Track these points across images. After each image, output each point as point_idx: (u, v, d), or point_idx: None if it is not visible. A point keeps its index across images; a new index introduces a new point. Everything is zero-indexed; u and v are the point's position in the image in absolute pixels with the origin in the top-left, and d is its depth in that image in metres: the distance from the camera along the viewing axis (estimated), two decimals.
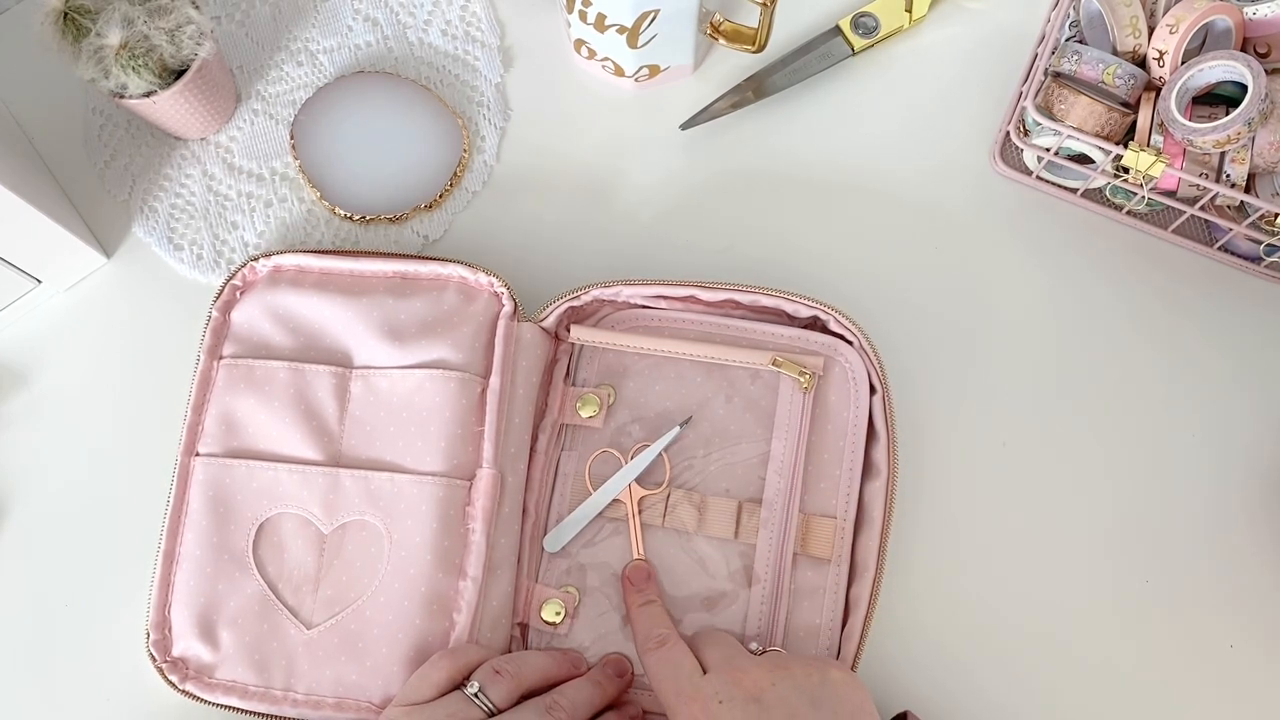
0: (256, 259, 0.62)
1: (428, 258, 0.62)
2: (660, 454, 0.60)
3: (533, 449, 0.61)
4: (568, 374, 0.63)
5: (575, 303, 0.61)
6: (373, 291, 0.61)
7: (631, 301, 0.62)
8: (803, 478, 0.59)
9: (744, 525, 0.59)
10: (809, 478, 0.60)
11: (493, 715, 0.51)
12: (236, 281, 0.62)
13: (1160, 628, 0.61)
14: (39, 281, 0.64)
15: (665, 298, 0.62)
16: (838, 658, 0.57)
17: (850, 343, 0.61)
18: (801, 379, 0.60)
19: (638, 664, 0.57)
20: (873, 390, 0.60)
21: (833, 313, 0.60)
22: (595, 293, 0.61)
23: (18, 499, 0.63)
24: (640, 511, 0.60)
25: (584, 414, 0.61)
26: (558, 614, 0.58)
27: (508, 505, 0.59)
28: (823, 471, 0.60)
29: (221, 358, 0.61)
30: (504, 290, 0.61)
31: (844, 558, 0.58)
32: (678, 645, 0.54)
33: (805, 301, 0.60)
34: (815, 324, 0.62)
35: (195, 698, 0.56)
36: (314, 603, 0.57)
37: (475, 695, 0.52)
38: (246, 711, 0.56)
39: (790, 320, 0.62)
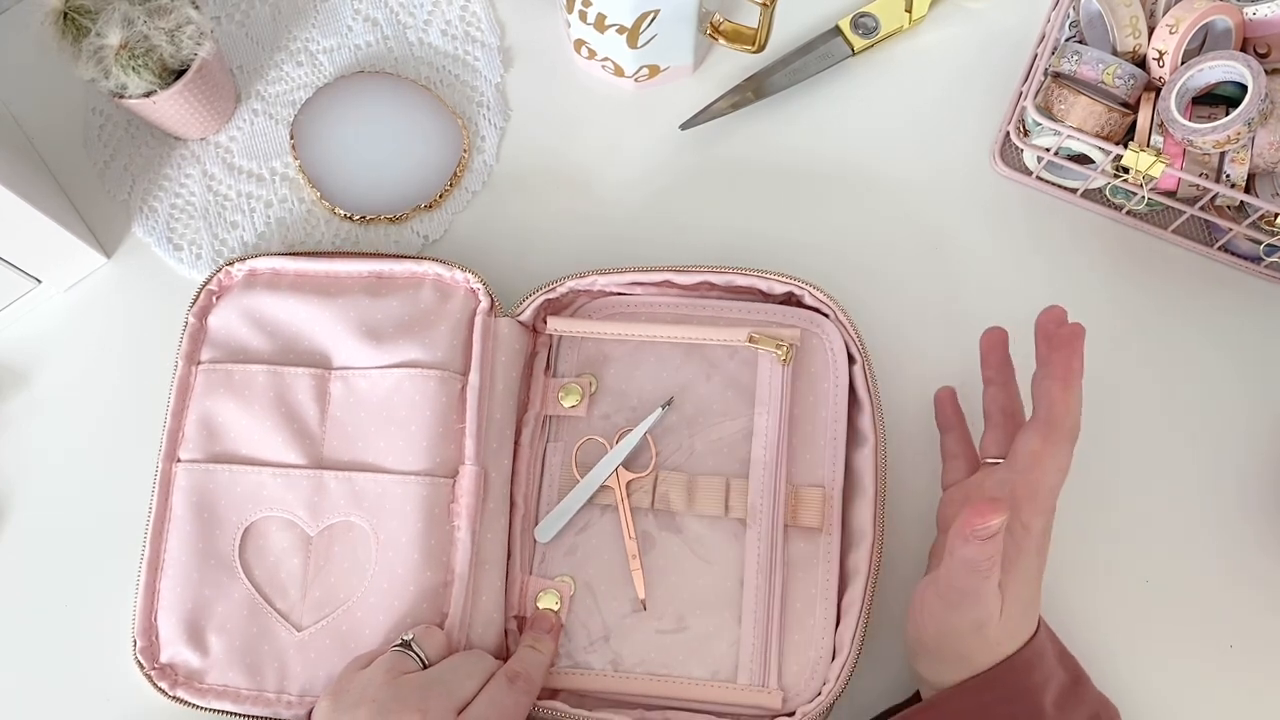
0: (231, 263, 0.62)
1: (402, 256, 0.62)
2: (645, 437, 0.60)
3: (517, 442, 0.61)
4: (548, 366, 0.63)
5: (551, 295, 0.62)
6: (349, 292, 0.61)
7: (607, 290, 0.63)
8: (788, 450, 0.60)
9: (733, 501, 0.59)
10: (794, 449, 0.60)
11: (425, 666, 0.52)
12: (212, 286, 0.62)
13: (1160, 628, 0.61)
14: (39, 281, 0.64)
15: (640, 284, 0.62)
16: (838, 626, 0.57)
17: (826, 315, 0.61)
18: (779, 352, 0.60)
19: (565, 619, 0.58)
20: (852, 360, 0.60)
21: (807, 287, 0.60)
22: (570, 284, 0.61)
23: (17, 499, 0.63)
24: (629, 495, 0.60)
25: (566, 404, 0.61)
26: (555, 604, 0.58)
27: (493, 501, 0.59)
28: (807, 442, 0.60)
29: (199, 363, 0.61)
30: (480, 286, 0.61)
31: (835, 526, 0.59)
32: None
33: (779, 278, 0.60)
34: (791, 300, 0.62)
35: (188, 704, 0.56)
36: (303, 605, 0.57)
37: (409, 645, 0.53)
38: (241, 715, 0.56)
39: (765, 298, 0.62)
